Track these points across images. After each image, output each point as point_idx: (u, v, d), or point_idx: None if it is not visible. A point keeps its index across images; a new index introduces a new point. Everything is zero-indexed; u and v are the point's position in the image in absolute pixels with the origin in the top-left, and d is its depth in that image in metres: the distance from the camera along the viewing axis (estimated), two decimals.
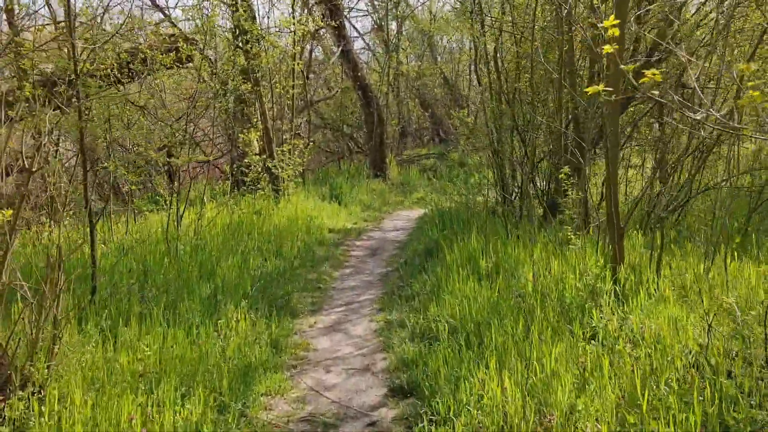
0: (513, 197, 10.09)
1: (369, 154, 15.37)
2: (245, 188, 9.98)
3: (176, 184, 8.24)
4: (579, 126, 8.08)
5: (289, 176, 10.26)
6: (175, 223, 7.34)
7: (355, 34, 22.77)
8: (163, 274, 5.90)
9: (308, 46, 15.32)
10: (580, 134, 7.99)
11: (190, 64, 9.86)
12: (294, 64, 10.24)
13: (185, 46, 8.21)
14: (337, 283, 7.07)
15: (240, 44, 9.76)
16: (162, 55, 7.79)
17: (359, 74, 14.47)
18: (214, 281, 5.96)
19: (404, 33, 21.81)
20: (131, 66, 8.29)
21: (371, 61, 22.78)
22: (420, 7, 24.95)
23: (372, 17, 21.96)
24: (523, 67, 10.05)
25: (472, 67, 27.68)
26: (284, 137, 10.95)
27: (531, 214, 8.92)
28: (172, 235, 6.96)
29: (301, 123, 13.39)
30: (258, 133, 10.31)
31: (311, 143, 12.92)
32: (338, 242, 9.04)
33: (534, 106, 9.81)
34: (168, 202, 7.88)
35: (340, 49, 13.88)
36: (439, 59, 25.61)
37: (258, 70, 10.25)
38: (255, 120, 10.51)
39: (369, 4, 22.29)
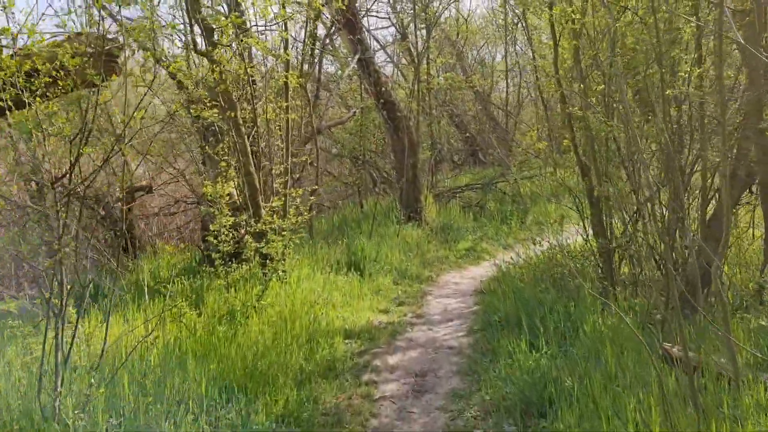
0: (635, 263, 6.50)
1: (399, 191, 11.88)
2: (223, 263, 6.56)
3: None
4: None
5: (280, 250, 6.80)
6: (54, 370, 3.88)
7: (376, 45, 19.48)
8: None
9: (316, 57, 11.95)
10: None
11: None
12: (286, 76, 6.81)
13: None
14: None
15: (204, 47, 6.42)
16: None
17: (382, 89, 11.03)
18: None
19: (433, 40, 18.41)
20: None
21: (395, 75, 19.41)
22: (448, 13, 21.59)
23: (395, 26, 18.66)
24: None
25: (513, 79, 24.24)
26: (275, 184, 7.48)
27: (681, 299, 5.32)
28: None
29: (307, 157, 9.94)
30: (234, 182, 6.90)
31: (319, 183, 9.48)
32: (358, 364, 5.42)
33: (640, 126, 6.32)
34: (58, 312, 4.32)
35: (356, 57, 10.47)
36: (468, 71, 22.12)
37: (236, 88, 6.88)
38: (234, 161, 7.10)
39: (391, 12, 18.99)
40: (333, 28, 11.05)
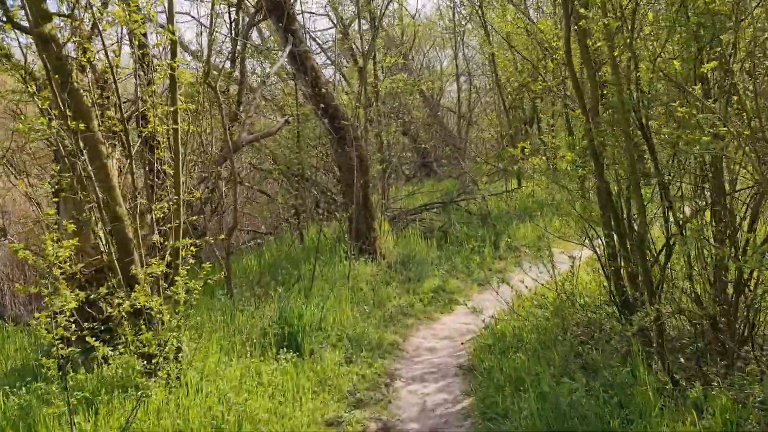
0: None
1: (348, 219, 9.52)
2: (60, 372, 4.04)
3: None
4: None
5: (169, 344, 4.30)
6: None
7: (316, 47, 17.10)
8: None
9: (238, 53, 9.46)
10: None
11: None
12: (171, 66, 4.32)
13: None
14: None
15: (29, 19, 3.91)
16: None
17: (322, 91, 8.67)
18: None
19: (380, 38, 16.20)
20: None
21: (338, 79, 17.05)
22: (393, 12, 19.48)
23: (335, 23, 16.35)
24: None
25: (460, 83, 22.31)
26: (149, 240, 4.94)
27: None
28: None
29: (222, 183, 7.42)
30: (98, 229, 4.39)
31: (237, 219, 7.07)
32: None
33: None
34: None
35: (287, 49, 8.06)
36: (416, 76, 20.03)
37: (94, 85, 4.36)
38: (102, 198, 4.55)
39: (329, 7, 16.66)
40: (258, 14, 8.60)
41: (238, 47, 9.35)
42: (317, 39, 20.44)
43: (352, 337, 6.11)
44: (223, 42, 9.94)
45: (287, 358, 5.32)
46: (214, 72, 6.76)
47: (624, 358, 4.73)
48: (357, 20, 14.25)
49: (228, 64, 9.80)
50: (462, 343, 6.52)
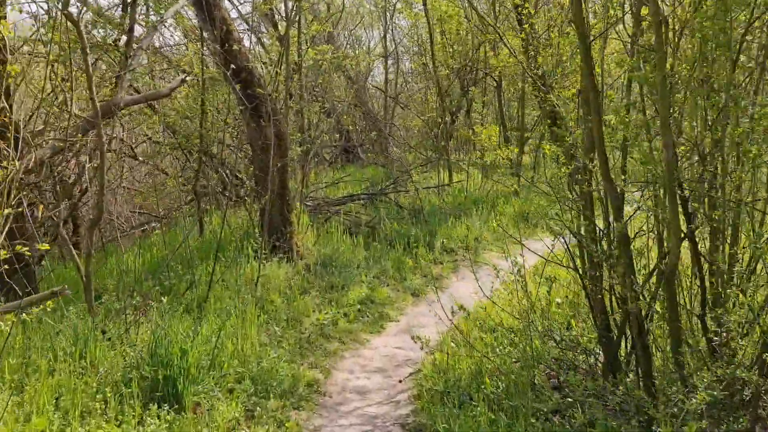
0: None
1: (260, 209, 7.82)
2: None
3: None
4: None
5: None
6: None
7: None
8: None
9: None
10: None
11: None
12: None
13: None
14: None
15: None
16: None
17: (233, 48, 6.89)
18: None
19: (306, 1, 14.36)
20: None
21: (256, 49, 15.02)
22: None
23: None
24: None
25: (387, 65, 20.88)
26: None
27: None
28: None
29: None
30: None
31: (102, 202, 5.28)
32: None
33: None
34: None
35: None
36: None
37: None
38: None
39: None
40: None
41: None
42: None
43: (257, 377, 4.50)
44: None
45: (160, 417, 3.65)
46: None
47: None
48: None
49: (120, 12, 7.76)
50: (400, 381, 5.11)
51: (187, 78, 5.58)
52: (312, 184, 11.23)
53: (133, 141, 11.41)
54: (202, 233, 8.52)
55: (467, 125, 16.71)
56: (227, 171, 10.42)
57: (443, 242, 9.43)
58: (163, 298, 5.52)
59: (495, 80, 16.24)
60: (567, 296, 6.82)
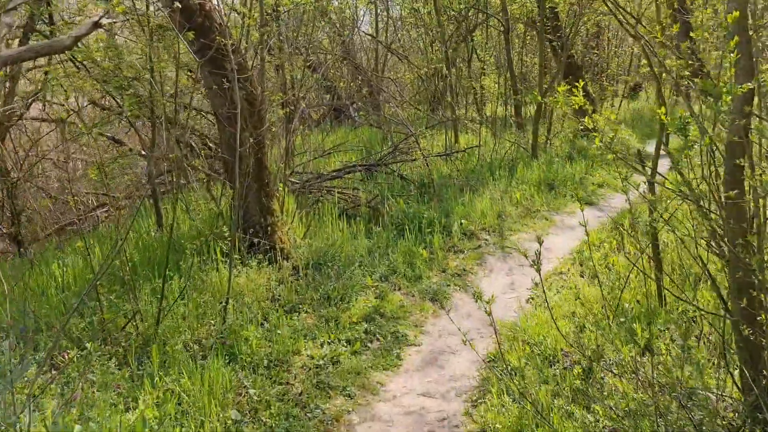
0: None
1: (232, 196, 5.98)
2: None
3: None
4: None
5: None
6: None
7: None
8: None
9: None
10: None
11: None
12: None
13: None
14: None
15: None
16: None
17: None
18: None
19: None
20: None
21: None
22: None
23: None
24: None
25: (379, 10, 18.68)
26: None
27: None
28: None
29: None
30: None
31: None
32: None
33: None
34: None
35: None
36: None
37: None
38: None
39: None
40: None
41: None
42: None
43: None
44: None
45: None
46: None
47: None
48: None
49: None
50: None
51: (103, 22, 3.71)
52: (298, 154, 9.34)
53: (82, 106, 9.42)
54: (161, 226, 6.69)
55: (469, 77, 14.75)
56: (192, 140, 8.47)
57: (461, 224, 7.70)
58: (88, 344, 3.78)
59: (502, 24, 14.19)
60: (637, 299, 5.20)
